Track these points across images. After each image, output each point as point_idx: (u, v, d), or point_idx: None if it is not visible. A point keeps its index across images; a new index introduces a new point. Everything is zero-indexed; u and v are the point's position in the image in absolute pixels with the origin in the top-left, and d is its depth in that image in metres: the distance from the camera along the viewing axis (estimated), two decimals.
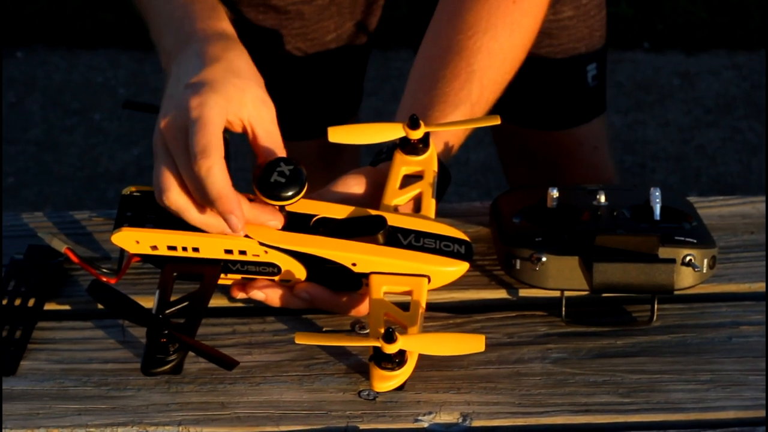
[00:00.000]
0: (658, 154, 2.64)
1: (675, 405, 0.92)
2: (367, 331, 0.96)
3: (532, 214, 1.02)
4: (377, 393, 0.93)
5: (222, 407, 0.92)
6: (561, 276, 0.98)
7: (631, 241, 0.96)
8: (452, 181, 1.07)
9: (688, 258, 0.98)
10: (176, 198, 0.92)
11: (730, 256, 1.06)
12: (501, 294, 1.03)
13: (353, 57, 1.45)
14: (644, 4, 3.03)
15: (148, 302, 0.94)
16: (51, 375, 0.95)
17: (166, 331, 0.90)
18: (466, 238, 0.98)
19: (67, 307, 1.02)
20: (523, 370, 0.95)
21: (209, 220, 0.93)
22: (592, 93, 1.43)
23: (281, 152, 0.95)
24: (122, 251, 0.98)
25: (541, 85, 1.39)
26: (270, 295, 0.98)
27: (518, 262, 0.99)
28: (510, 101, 1.14)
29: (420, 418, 0.91)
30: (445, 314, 1.01)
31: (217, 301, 1.01)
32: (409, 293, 0.95)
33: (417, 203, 1.01)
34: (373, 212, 0.97)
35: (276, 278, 0.98)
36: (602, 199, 1.02)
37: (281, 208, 0.95)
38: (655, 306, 0.98)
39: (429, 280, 0.96)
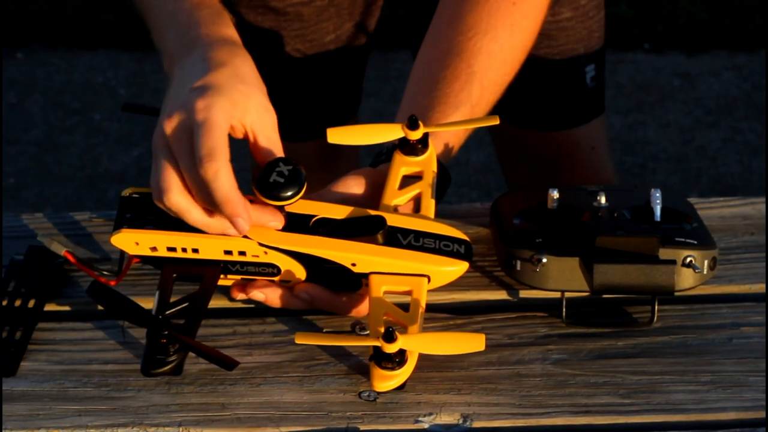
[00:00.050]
0: (658, 155, 2.64)
1: (675, 406, 0.92)
2: (368, 332, 0.96)
3: (533, 215, 1.02)
4: (378, 394, 0.93)
5: (222, 408, 0.92)
6: (561, 277, 0.98)
7: (631, 243, 0.96)
8: (452, 181, 1.07)
9: (688, 259, 0.98)
10: (177, 199, 0.91)
11: (730, 257, 1.06)
12: (501, 295, 1.03)
13: (352, 58, 1.45)
14: (644, 4, 3.03)
15: (148, 303, 0.94)
16: (51, 376, 0.95)
17: (166, 332, 0.90)
18: (466, 238, 0.98)
19: (67, 308, 1.02)
20: (523, 371, 0.95)
21: (210, 222, 0.93)
22: (590, 94, 1.43)
23: None
24: (122, 253, 0.98)
25: (540, 86, 1.39)
26: (270, 295, 0.98)
27: (518, 263, 0.99)
28: (509, 102, 1.14)
29: (420, 419, 0.91)
30: (446, 315, 1.01)
31: (217, 302, 1.01)
32: (408, 293, 0.95)
33: (416, 203, 1.01)
34: (373, 212, 0.97)
35: (276, 279, 0.98)
36: (603, 200, 1.02)
37: (280, 209, 0.95)
38: (656, 307, 0.98)
39: (429, 280, 0.96)
